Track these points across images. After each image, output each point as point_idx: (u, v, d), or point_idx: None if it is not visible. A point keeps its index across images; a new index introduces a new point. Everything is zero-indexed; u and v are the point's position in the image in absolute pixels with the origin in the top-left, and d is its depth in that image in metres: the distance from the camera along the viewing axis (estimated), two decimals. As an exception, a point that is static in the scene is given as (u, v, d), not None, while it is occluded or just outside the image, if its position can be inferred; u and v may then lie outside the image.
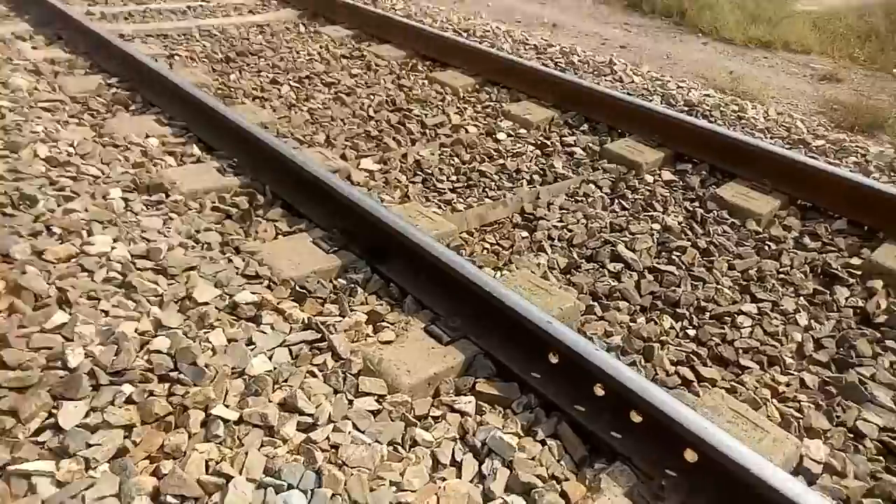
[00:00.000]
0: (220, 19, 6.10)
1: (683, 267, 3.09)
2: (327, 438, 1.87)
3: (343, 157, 3.81)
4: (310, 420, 1.93)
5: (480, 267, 2.84)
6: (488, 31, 6.41)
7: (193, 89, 3.80)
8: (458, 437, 1.97)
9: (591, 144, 4.19)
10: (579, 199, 3.63)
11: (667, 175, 3.90)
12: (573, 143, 4.24)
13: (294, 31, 6.05)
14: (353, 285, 2.56)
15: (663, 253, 3.20)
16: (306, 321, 2.31)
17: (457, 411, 2.06)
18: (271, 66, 5.12)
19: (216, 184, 3.14)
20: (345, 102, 4.56)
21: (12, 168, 2.96)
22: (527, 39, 6.22)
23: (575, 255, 3.13)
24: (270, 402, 1.97)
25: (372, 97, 4.67)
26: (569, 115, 4.59)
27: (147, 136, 3.53)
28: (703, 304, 2.86)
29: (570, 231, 3.32)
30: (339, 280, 2.59)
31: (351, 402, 2.02)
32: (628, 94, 4.82)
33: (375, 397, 2.06)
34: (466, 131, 4.30)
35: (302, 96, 4.61)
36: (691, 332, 2.72)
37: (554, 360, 2.13)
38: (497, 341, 2.30)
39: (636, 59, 6.72)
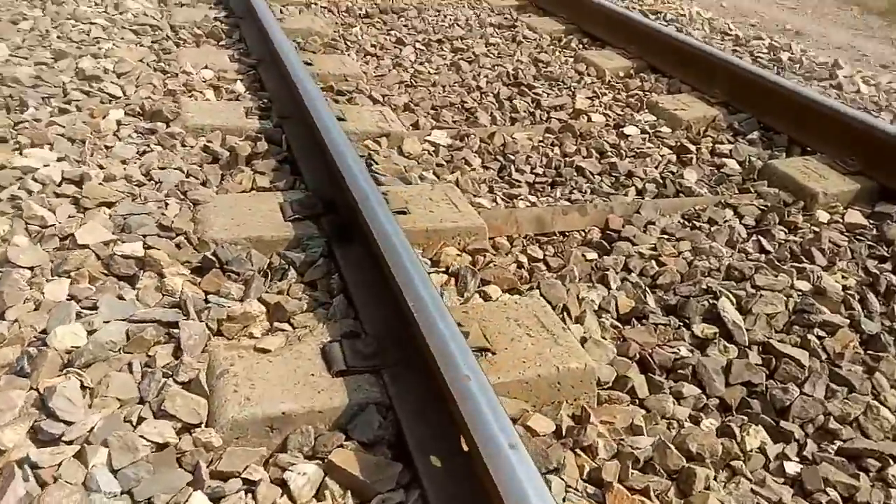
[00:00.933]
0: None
1: (822, 358, 1.94)
2: (54, 467, 1.23)
3: (415, 125, 3.13)
4: (56, 432, 1.30)
5: (484, 288, 2.00)
6: (684, 14, 5.26)
7: (279, 34, 3.36)
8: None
9: (752, 157, 3.02)
10: (699, 225, 2.56)
11: (854, 216, 2.63)
12: (728, 153, 3.10)
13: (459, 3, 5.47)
14: (287, 266, 1.88)
15: (795, 327, 2.05)
16: (180, 297, 1.68)
17: (279, 484, 1.30)
18: (409, 26, 4.59)
19: (229, 123, 2.64)
20: (460, 70, 3.87)
21: (37, 74, 2.74)
22: (729, 29, 4.98)
23: (649, 301, 2.12)
24: (33, 389, 1.38)
25: (495, 68, 3.92)
26: (737, 116, 3.42)
27: (205, 67, 3.16)
28: (832, 425, 1.72)
29: (660, 265, 2.30)
30: (278, 256, 1.93)
31: (135, 425, 1.35)
32: (836, 99, 3.48)
33: (176, 427, 1.37)
34: (588, 119, 3.37)
35: (419, 59, 4.01)
36: (792, 469, 1.62)
37: (437, 464, 1.28)
38: (410, 394, 1.48)
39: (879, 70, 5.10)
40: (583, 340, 1.85)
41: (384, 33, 4.42)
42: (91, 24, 3.43)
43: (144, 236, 1.87)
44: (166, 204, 2.05)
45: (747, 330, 2.01)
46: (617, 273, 2.25)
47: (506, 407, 1.52)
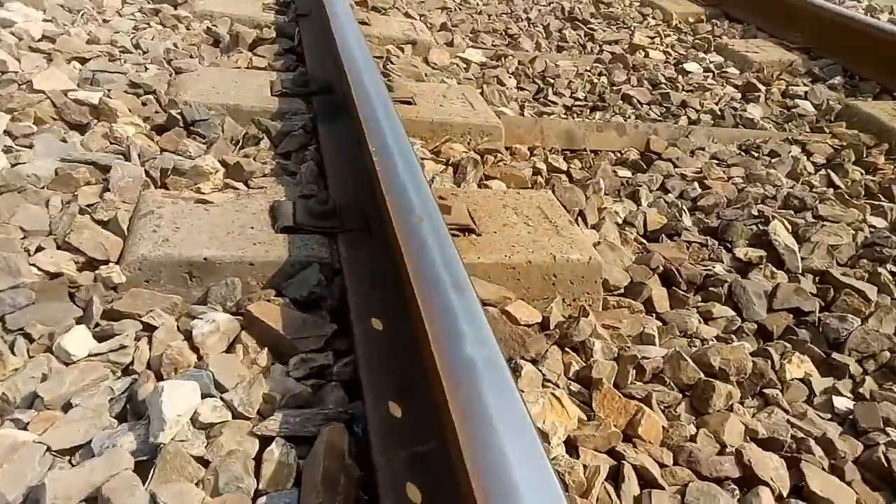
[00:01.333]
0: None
1: (894, 295, 1.57)
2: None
3: (449, 43, 2.86)
4: None
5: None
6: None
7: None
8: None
9: (830, 101, 2.62)
10: (757, 155, 2.19)
11: (948, 162, 2.21)
12: (803, 94, 2.70)
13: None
14: (261, 135, 1.66)
15: (864, 261, 1.68)
16: (125, 145, 1.48)
17: (185, 335, 1.06)
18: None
19: (241, 13, 2.45)
20: (510, 2, 3.58)
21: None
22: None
23: (685, 220, 1.79)
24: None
25: (549, 4, 3.61)
26: (819, 62, 3.00)
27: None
28: (898, 363, 1.37)
29: (704, 188, 1.96)
30: (253, 124, 1.71)
31: (32, 253, 1.14)
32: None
33: (78, 261, 1.15)
34: (646, 54, 3.02)
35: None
36: (843, 405, 1.28)
37: (378, 326, 1.02)
38: (364, 260, 1.23)
39: None
40: (595, 244, 1.54)
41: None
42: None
43: (109, 90, 1.68)
44: (146, 68, 1.86)
45: (802, 258, 1.66)
46: (651, 191, 1.93)
47: (482, 290, 1.25)
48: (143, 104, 1.67)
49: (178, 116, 1.61)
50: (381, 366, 1.00)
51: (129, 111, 1.60)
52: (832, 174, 2.07)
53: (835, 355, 1.39)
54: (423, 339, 0.82)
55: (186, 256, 1.16)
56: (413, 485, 0.82)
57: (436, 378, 0.75)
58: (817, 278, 1.63)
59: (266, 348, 1.07)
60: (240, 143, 1.60)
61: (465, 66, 2.66)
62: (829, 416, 1.27)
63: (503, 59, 2.77)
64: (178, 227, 1.21)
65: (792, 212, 1.85)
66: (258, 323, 1.08)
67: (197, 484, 0.86)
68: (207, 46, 2.16)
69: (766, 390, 1.29)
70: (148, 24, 2.21)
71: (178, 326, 1.09)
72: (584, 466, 1.01)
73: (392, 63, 2.33)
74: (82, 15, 2.11)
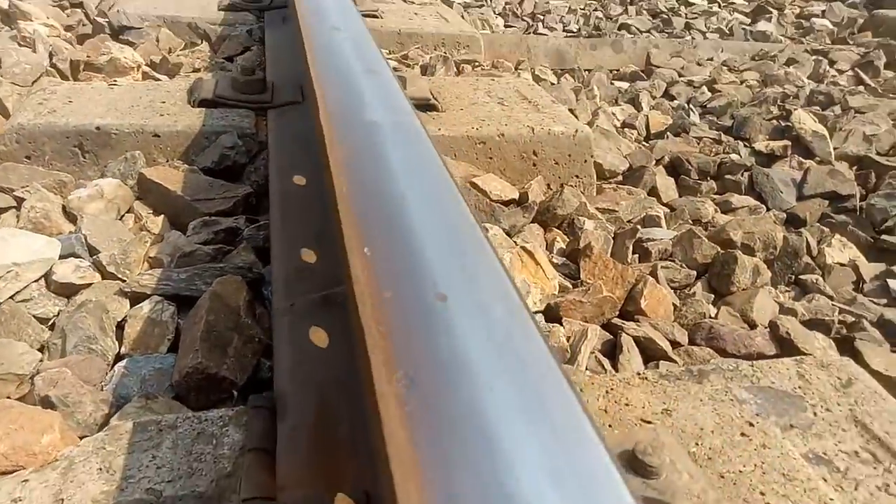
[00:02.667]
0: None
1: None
2: None
3: (431, -11, 2.66)
4: None
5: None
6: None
7: None
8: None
9: (850, 16, 2.37)
10: (770, 64, 1.95)
11: None
12: (820, 14, 2.46)
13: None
14: (200, 41, 1.46)
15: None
16: (31, 40, 1.28)
17: (66, 210, 0.84)
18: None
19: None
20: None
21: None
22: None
23: (693, 118, 1.55)
24: None
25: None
26: (835, -14, 2.76)
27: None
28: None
29: (714, 92, 1.72)
30: (191, 31, 1.51)
31: None
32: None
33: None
34: (644, -7, 2.79)
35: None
36: None
37: (300, 182, 0.80)
38: (291, 129, 1.01)
39: None
40: (588, 124, 1.31)
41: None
42: None
43: (29, 1, 1.49)
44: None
45: (834, 148, 1.41)
46: (653, 97, 1.69)
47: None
48: (67, 15, 1.48)
49: (105, 24, 1.41)
50: (298, 218, 0.77)
51: (48, 18, 1.41)
52: (861, 73, 1.82)
53: (885, 237, 1.14)
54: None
55: (74, 125, 0.95)
56: (319, 327, 0.59)
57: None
58: (854, 166, 1.38)
59: (163, 216, 0.85)
60: (173, 51, 1.40)
61: (447, 6, 2.45)
62: (885, 300, 1.02)
63: None
64: (70, 101, 1.01)
65: (818, 108, 1.61)
66: (155, 188, 0.87)
67: (41, 349, 0.63)
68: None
69: (803, 277, 1.04)
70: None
71: (62, 205, 0.88)
72: (568, 337, 0.77)
73: (362, -6, 2.12)
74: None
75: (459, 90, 1.26)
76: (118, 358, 0.64)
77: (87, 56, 1.33)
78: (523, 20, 2.45)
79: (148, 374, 0.60)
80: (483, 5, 2.50)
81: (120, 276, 0.72)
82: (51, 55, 1.22)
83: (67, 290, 0.70)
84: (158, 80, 1.21)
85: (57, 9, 1.50)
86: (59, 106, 0.99)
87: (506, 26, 2.39)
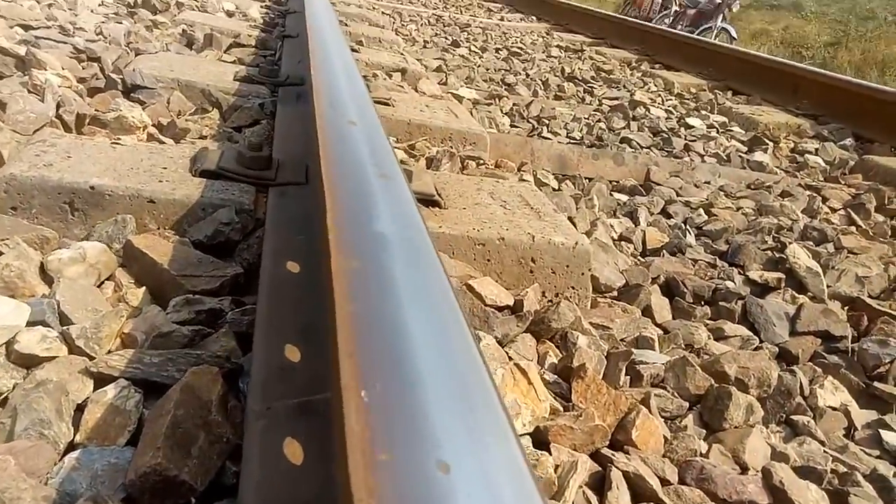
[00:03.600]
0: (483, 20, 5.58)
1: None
2: None
3: (443, 83, 2.74)
4: None
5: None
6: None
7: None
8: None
9: (842, 158, 2.45)
10: (766, 194, 1.99)
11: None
12: (813, 151, 2.54)
13: (535, 34, 5.19)
14: (210, 108, 1.46)
15: (903, 295, 1.44)
16: (41, 89, 1.27)
17: (43, 271, 0.81)
18: (469, 36, 4.34)
19: (223, 25, 2.33)
20: (510, 62, 3.52)
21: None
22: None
23: (689, 238, 1.56)
24: None
25: (551, 69, 3.55)
26: (828, 126, 2.87)
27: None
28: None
29: (710, 215, 1.75)
30: (203, 97, 1.52)
31: None
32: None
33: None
34: (647, 111, 2.89)
35: (471, 54, 3.69)
36: (894, 440, 1.00)
37: (293, 269, 0.77)
38: (291, 209, 0.99)
39: None
40: (587, 234, 1.30)
41: (440, 34, 4.17)
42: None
43: (47, 51, 1.50)
44: (103, 45, 1.69)
45: (828, 285, 1.42)
46: (651, 213, 1.71)
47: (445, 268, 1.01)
48: (83, 67, 1.49)
49: (118, 80, 1.42)
50: (287, 308, 0.74)
51: (63, 68, 1.41)
52: (853, 213, 1.86)
53: (877, 384, 1.12)
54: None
55: (69, 182, 0.92)
56: (294, 439, 0.54)
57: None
58: (846, 307, 1.38)
59: (145, 288, 0.81)
60: (182, 113, 1.40)
61: (456, 101, 2.51)
62: (878, 452, 0.99)
63: (498, 99, 2.64)
64: (69, 156, 0.99)
65: (811, 243, 1.63)
66: (139, 256, 0.83)
67: (-16, 428, 0.58)
68: (177, 44, 2.01)
69: (794, 417, 1.01)
70: (120, 21, 2.08)
71: (42, 263, 0.84)
72: (557, 466, 0.72)
73: (376, 79, 2.18)
74: (49, 5, 1.97)
75: (463, 188, 1.25)
76: (71, 447, 0.58)
77: (95, 110, 1.33)
78: (529, 122, 2.51)
79: (101, 469, 0.55)
80: (492, 104, 2.56)
81: (88, 351, 0.68)
82: (58, 105, 1.21)
83: (29, 362, 0.66)
84: (163, 143, 1.20)
85: (74, 60, 1.51)
86: (57, 160, 0.97)
87: (511, 126, 2.44)
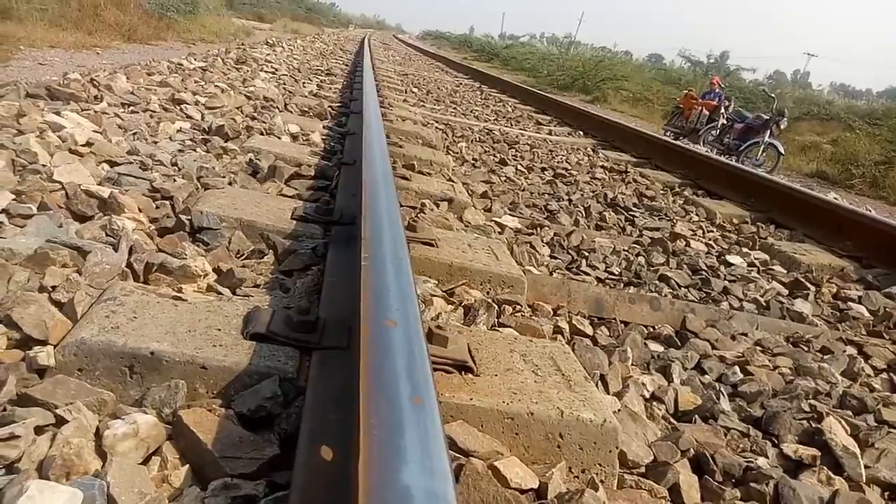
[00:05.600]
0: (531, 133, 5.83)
1: None
2: None
3: (487, 209, 2.85)
4: None
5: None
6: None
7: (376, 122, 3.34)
8: None
9: (887, 309, 2.43)
10: (805, 349, 1.98)
11: None
12: (856, 298, 2.53)
13: (580, 151, 5.36)
14: (266, 250, 1.57)
15: (943, 480, 1.40)
16: (117, 236, 1.39)
17: (97, 435, 0.87)
18: (516, 154, 4.51)
19: (288, 153, 2.50)
20: (555, 186, 3.64)
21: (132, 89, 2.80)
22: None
23: (722, 403, 1.56)
24: None
25: (594, 193, 3.65)
26: (872, 271, 2.85)
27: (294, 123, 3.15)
28: None
29: (746, 374, 1.74)
30: (261, 239, 1.63)
31: None
32: None
33: (13, 336, 1.01)
34: (687, 244, 2.93)
35: (517, 174, 3.83)
36: None
37: (326, 456, 0.83)
38: (334, 381, 1.05)
39: None
40: (615, 411, 1.32)
41: (489, 151, 4.35)
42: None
43: (127, 191, 1.65)
44: (174, 180, 1.85)
45: (866, 466, 1.39)
46: (685, 369, 1.72)
47: (469, 441, 1.04)
48: (157, 207, 1.63)
49: (186, 221, 1.54)
50: (319, 501, 0.78)
51: (139, 210, 1.55)
52: (896, 379, 1.83)
53: (917, 592, 1.09)
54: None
55: (132, 347, 1.00)
56: None
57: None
58: (886, 492, 1.34)
59: (189, 465, 0.87)
60: (243, 256, 1.51)
61: (499, 229, 2.61)
62: None
63: (539, 228, 2.72)
64: (135, 317, 1.08)
65: (849, 412, 1.60)
66: (187, 433, 0.89)
67: None
68: (243, 174, 2.17)
69: None
70: (195, 149, 2.26)
71: (98, 428, 0.91)
72: None
73: (423, 213, 2.29)
74: (134, 134, 2.17)
75: (497, 349, 1.30)
76: None
77: (160, 250, 1.44)
78: (569, 253, 2.57)
79: None
80: (533, 234, 2.64)
81: (132, 539, 0.73)
82: (131, 251, 1.33)
83: (78, 549, 0.71)
84: (221, 294, 1.29)
85: (149, 199, 1.65)
86: (123, 322, 1.06)
87: (551, 257, 2.51)
